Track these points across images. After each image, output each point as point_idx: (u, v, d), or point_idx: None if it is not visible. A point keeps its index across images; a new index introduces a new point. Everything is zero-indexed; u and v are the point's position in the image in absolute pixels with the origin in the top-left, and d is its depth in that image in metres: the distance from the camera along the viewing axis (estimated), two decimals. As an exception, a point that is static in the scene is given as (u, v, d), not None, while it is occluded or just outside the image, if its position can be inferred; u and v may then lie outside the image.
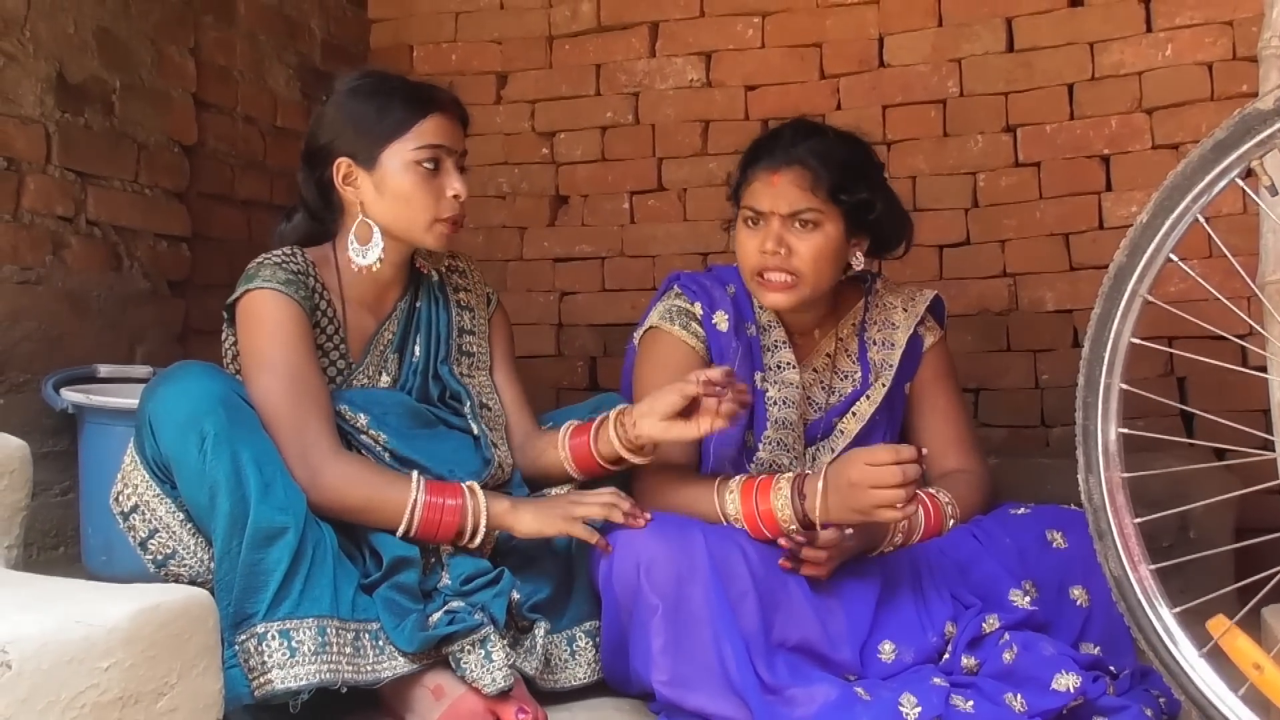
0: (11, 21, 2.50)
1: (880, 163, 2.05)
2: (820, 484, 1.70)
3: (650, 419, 1.76)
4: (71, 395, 2.43)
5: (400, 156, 1.80)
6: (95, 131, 2.72)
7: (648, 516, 1.72)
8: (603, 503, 1.74)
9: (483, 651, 1.62)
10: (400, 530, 1.69)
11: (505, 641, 1.66)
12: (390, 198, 1.81)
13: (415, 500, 1.69)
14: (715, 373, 1.74)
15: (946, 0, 3.18)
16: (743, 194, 1.96)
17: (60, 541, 2.60)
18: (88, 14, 2.69)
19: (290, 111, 3.36)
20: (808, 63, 3.30)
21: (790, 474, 1.77)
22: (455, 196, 1.82)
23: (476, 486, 1.75)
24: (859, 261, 1.97)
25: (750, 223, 1.93)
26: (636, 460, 1.83)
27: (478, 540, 1.73)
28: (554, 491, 1.92)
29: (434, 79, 3.59)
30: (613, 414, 1.84)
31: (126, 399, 2.31)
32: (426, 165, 1.80)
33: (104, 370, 2.61)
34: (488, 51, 3.60)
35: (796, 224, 1.89)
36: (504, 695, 1.61)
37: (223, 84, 3.15)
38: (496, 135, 3.57)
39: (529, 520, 1.72)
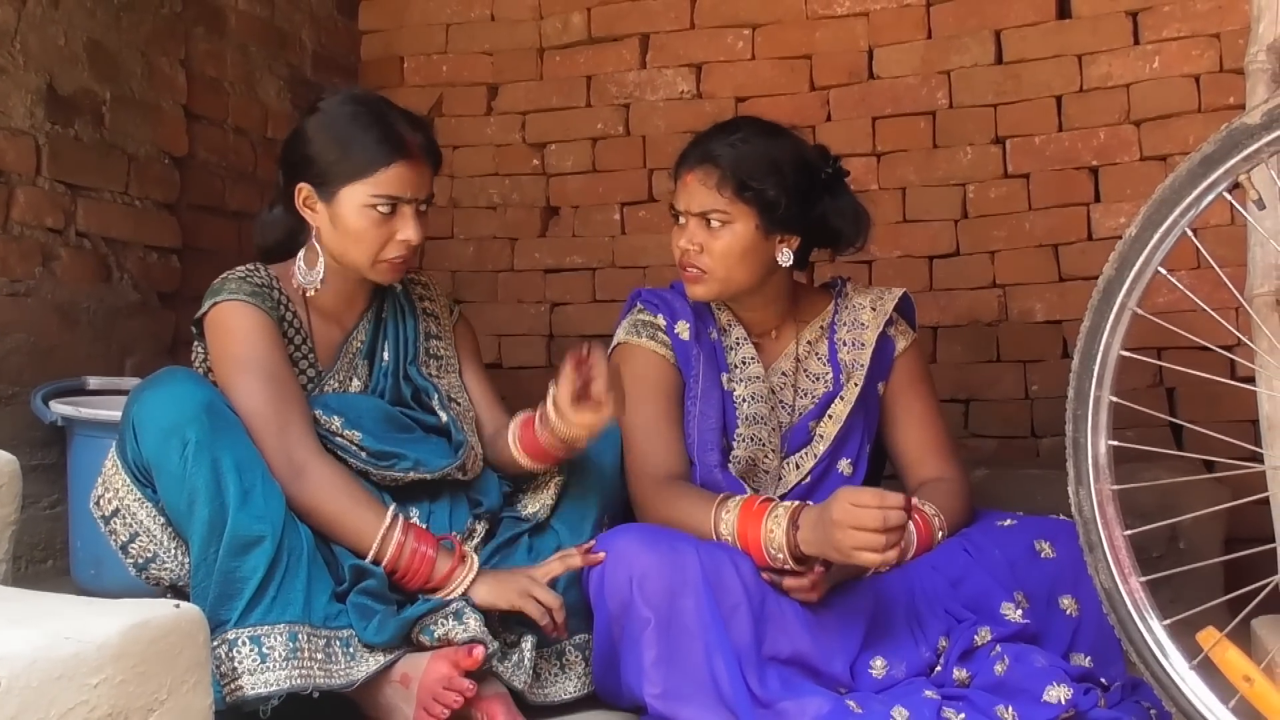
0: (2, 33, 2.50)
1: (814, 159, 1.98)
2: (812, 516, 1.69)
3: (557, 412, 1.78)
4: (61, 408, 2.43)
5: (357, 198, 1.80)
6: (85, 143, 2.71)
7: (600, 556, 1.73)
8: (555, 585, 1.75)
9: (454, 618, 1.65)
10: (369, 555, 1.69)
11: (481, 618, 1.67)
12: (341, 232, 1.83)
13: (388, 530, 1.69)
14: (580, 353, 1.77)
15: (935, 12, 3.20)
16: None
17: (49, 555, 2.59)
18: (78, 26, 2.69)
19: (281, 123, 3.34)
20: (798, 74, 3.32)
21: (790, 503, 1.76)
22: (405, 241, 1.83)
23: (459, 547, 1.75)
24: (785, 258, 1.94)
25: (678, 220, 1.96)
26: (575, 449, 1.84)
27: (441, 595, 1.71)
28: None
29: (425, 90, 3.62)
30: (549, 401, 1.82)
31: (116, 411, 2.28)
32: (382, 209, 1.81)
33: (93, 382, 2.61)
34: (478, 63, 3.61)
35: (707, 222, 1.91)
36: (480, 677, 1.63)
37: (213, 95, 3.15)
38: (487, 146, 3.58)
39: (484, 593, 1.71)
